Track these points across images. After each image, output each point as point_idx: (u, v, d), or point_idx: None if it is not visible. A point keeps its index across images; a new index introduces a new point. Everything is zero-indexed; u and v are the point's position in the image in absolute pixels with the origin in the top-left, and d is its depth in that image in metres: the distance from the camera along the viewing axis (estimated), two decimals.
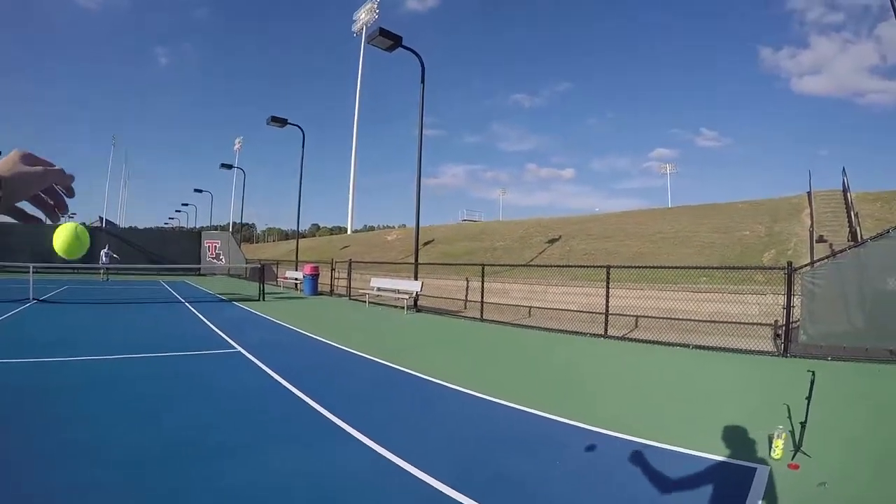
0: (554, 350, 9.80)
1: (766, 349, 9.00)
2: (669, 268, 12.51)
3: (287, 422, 5.61)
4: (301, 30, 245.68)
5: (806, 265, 9.97)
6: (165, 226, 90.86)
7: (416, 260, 17.28)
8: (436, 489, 3.94)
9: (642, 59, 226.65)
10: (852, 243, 12.62)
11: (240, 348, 9.46)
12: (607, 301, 11.07)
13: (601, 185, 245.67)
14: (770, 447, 4.40)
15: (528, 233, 28.33)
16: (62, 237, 1.21)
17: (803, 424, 4.41)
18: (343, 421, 5.47)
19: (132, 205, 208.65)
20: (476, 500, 3.73)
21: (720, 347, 9.25)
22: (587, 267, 12.92)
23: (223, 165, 44.72)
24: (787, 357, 8.47)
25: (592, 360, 9.00)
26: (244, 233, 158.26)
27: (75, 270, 29.96)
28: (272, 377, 7.44)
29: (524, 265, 19.14)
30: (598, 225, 26.61)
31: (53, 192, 0.94)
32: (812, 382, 4.50)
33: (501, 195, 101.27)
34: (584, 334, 11.09)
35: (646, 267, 11.82)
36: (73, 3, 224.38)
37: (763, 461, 4.26)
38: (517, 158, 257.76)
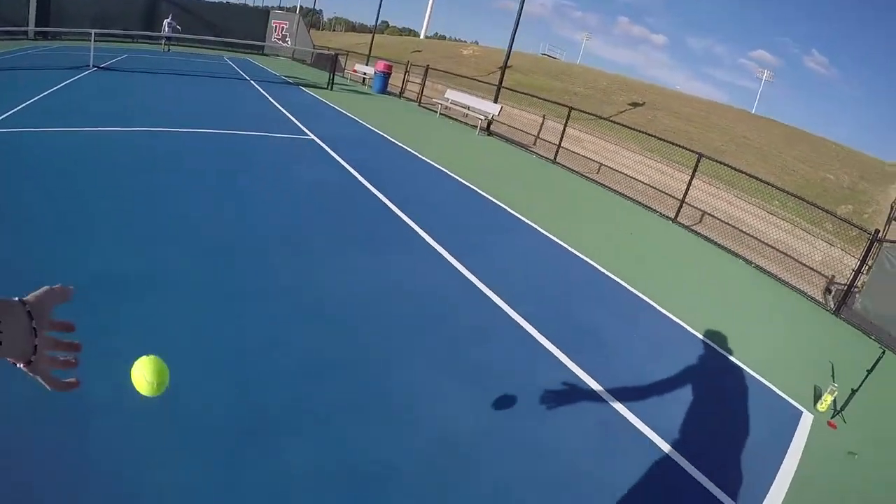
0: (628, 218, 9.87)
1: (816, 297, 8.81)
2: (762, 181, 11.73)
3: (369, 221, 5.75)
4: None
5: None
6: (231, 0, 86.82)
7: (501, 83, 16.59)
8: (524, 329, 4.15)
9: None
10: None
11: (313, 136, 9.49)
12: (687, 188, 10.75)
13: (689, 65, 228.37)
14: (816, 398, 4.61)
15: (611, 87, 26.82)
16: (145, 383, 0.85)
17: (854, 391, 4.50)
18: (427, 234, 5.64)
19: None
20: (563, 351, 3.96)
21: (778, 277, 9.06)
22: (679, 147, 12.28)
23: None
24: (837, 317, 8.31)
25: (664, 242, 9.05)
26: (311, 18, 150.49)
27: (135, 40, 28.89)
28: (351, 173, 7.52)
29: (613, 121, 18.33)
30: (684, 104, 25.05)
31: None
32: (879, 359, 4.49)
33: (585, 39, 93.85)
34: (655, 211, 10.93)
35: (740, 171, 11.18)
36: None
37: (808, 408, 4.44)
38: (612, 6, 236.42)
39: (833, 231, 12.25)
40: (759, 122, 25.08)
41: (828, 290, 9.73)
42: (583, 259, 6.25)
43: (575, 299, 5.11)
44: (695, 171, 10.74)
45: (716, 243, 9.85)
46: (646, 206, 11.14)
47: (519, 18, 16.47)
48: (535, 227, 7.01)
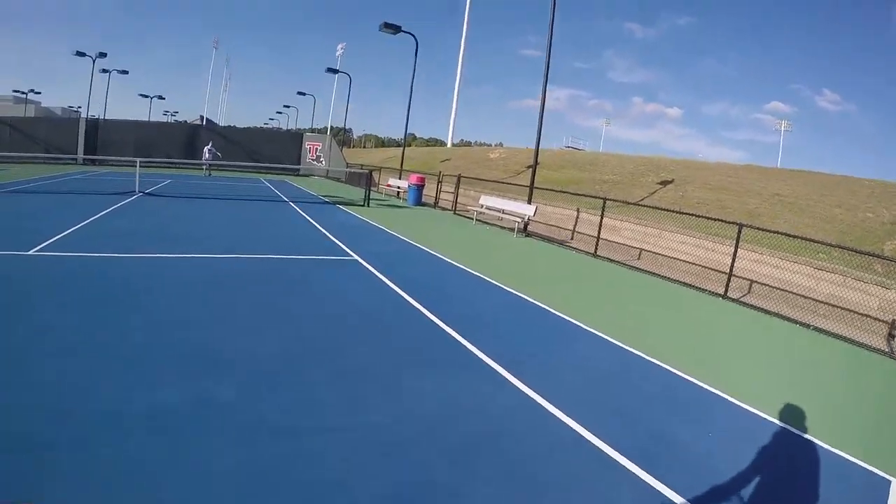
0: (678, 302, 9.88)
1: (878, 346, 8.54)
2: (803, 238, 11.89)
3: (419, 342, 5.78)
4: None
5: None
6: (266, 126, 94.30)
7: (532, 183, 17.32)
8: (594, 445, 4.16)
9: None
10: None
11: (356, 256, 9.73)
12: (733, 260, 10.88)
13: (707, 131, 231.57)
14: None
15: (637, 169, 27.43)
16: None
17: None
18: (477, 349, 5.64)
19: (232, 105, 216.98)
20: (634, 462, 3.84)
21: (840, 335, 8.89)
22: (719, 221, 12.51)
23: (329, 70, 45.39)
24: None
25: (719, 321, 9.00)
26: (341, 137, 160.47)
27: (177, 166, 31.52)
28: (396, 291, 7.62)
29: (645, 206, 18.73)
30: (711, 174, 25.37)
31: None
32: None
33: (605, 125, 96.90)
34: (703, 290, 11.01)
35: (783, 234, 11.33)
36: None
37: None
38: (624, 90, 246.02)
39: (884, 273, 12.01)
40: (788, 175, 25.12)
41: (891, 336, 9.50)
42: (650, 361, 6.03)
43: (648, 410, 4.81)
44: (738, 242, 10.90)
45: (770, 312, 9.81)
46: (693, 287, 11.23)
47: (542, 117, 17.46)
48: (593, 331, 6.86)
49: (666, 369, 5.82)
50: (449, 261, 10.53)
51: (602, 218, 14.14)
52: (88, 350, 4.59)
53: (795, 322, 9.37)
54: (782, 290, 11.41)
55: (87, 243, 8.75)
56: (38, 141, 34.27)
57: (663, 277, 11.86)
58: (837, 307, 10.41)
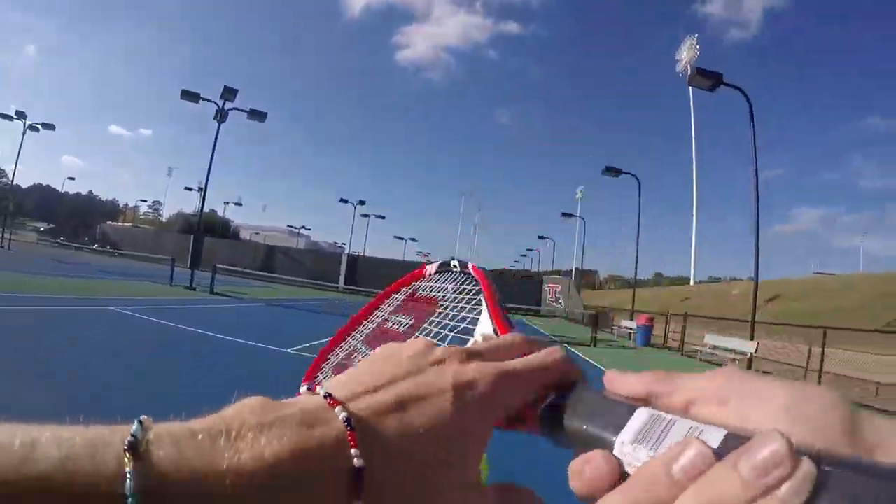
0: None
1: None
2: None
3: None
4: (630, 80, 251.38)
5: None
6: (510, 268, 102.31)
7: (753, 318, 17.42)
8: None
9: None
10: None
11: None
12: None
13: None
14: None
15: (892, 289, 24.85)
16: None
17: None
18: None
19: (482, 248, 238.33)
20: None
21: None
22: None
23: (564, 214, 49.15)
24: None
25: None
26: (587, 279, 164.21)
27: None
28: None
29: (881, 331, 17.55)
30: None
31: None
32: None
33: (861, 242, 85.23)
34: None
35: None
36: (425, 79, 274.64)
37: None
38: (875, 196, 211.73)
39: None
40: None
41: None
42: None
43: None
44: None
45: None
46: None
47: (757, 263, 17.95)
48: None
49: None
50: None
51: (823, 350, 14.04)
52: None
53: None
54: None
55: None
56: (305, 268, 42.12)
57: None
58: None
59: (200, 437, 0.25)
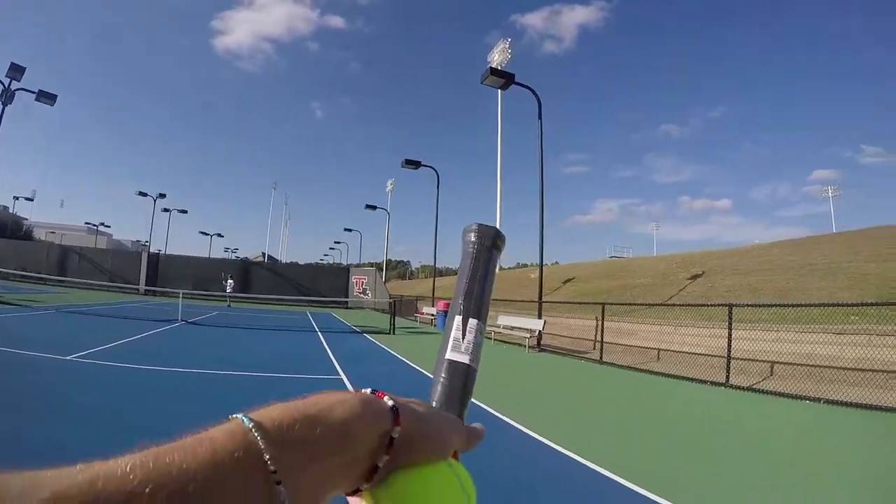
0: (668, 402, 9.14)
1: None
2: (797, 305, 11.55)
3: None
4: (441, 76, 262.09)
5: None
6: (321, 262, 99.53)
7: (540, 298, 17.61)
8: None
9: (790, 74, 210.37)
10: None
11: (343, 376, 9.85)
12: (729, 344, 10.45)
13: (761, 215, 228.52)
14: None
15: (670, 269, 27.07)
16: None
17: None
18: None
19: (293, 242, 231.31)
20: None
21: (860, 403, 8.22)
22: (702, 306, 12.27)
23: (368, 206, 47.91)
24: None
25: (707, 415, 8.15)
26: (399, 270, 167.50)
27: (197, 297, 32.48)
28: None
29: (665, 304, 18.39)
30: (744, 258, 24.75)
31: None
32: None
33: (655, 229, 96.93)
34: (705, 382, 10.51)
35: (769, 305, 11.01)
36: (241, 68, 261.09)
37: None
38: (672, 190, 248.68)
39: None
40: (824, 241, 24.28)
41: None
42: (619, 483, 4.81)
43: None
44: (730, 324, 10.60)
45: (778, 393, 9.25)
46: (697, 380, 10.75)
47: (542, 248, 17.98)
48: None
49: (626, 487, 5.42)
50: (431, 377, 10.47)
51: (603, 323, 14.05)
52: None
53: (802, 398, 8.83)
54: (796, 364, 10.78)
55: (114, 356, 9.76)
56: (105, 270, 37.52)
57: (670, 376, 11.36)
58: (863, 370, 9.67)
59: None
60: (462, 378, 0.59)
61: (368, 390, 0.49)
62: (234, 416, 0.38)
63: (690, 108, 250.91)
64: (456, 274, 0.72)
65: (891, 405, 8.02)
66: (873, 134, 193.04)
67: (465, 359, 0.60)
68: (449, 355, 0.60)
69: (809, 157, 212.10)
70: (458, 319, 0.62)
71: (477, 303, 0.64)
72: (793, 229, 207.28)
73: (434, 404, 0.58)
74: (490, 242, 0.67)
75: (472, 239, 0.67)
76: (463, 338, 0.61)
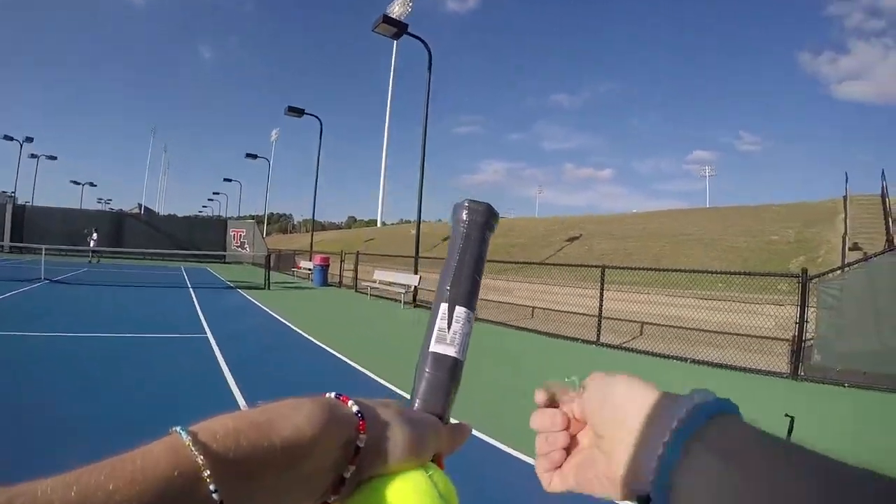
0: (538, 358, 8.94)
1: (776, 369, 8.01)
2: (666, 270, 11.73)
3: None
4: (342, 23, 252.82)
5: (825, 273, 8.83)
6: (199, 214, 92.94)
7: (417, 253, 16.95)
8: None
9: (683, 59, 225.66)
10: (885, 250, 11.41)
11: (209, 335, 9.11)
12: (601, 305, 10.26)
13: (641, 187, 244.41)
14: None
15: (549, 230, 27.45)
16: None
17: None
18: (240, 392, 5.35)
19: (172, 193, 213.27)
20: None
21: (722, 364, 8.32)
22: (578, 266, 12.22)
23: (248, 155, 45.12)
24: (797, 380, 7.51)
25: (575, 372, 8.03)
26: (282, 223, 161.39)
27: (64, 253, 29.43)
28: (218, 363, 7.03)
29: (543, 263, 18.31)
30: (622, 225, 25.55)
31: None
32: (790, 429, 3.65)
33: (538, 193, 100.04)
34: (577, 340, 10.30)
35: (641, 269, 11.07)
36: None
37: None
38: (558, 157, 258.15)
39: (787, 290, 11.58)
40: (698, 214, 25.56)
41: (792, 353, 8.91)
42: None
43: None
44: (602, 285, 10.45)
45: (648, 352, 9.16)
46: (570, 338, 10.52)
47: (420, 203, 17.33)
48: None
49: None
50: (304, 335, 9.81)
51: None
52: None
53: (670, 357, 8.81)
54: (664, 325, 10.88)
55: None
56: None
57: (543, 333, 11.13)
58: (727, 333, 9.89)
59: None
60: (447, 373, 0.52)
61: (332, 394, 0.43)
62: (173, 428, 0.33)
63: (584, 78, 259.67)
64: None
65: (750, 366, 8.16)
66: (752, 122, 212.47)
67: (450, 351, 0.52)
68: (433, 348, 0.52)
69: (690, 137, 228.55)
70: (443, 307, 0.53)
71: (465, 289, 0.54)
72: (671, 202, 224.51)
73: (417, 403, 0.51)
74: (482, 220, 0.57)
75: (463, 217, 0.58)
76: (449, 328, 0.53)
